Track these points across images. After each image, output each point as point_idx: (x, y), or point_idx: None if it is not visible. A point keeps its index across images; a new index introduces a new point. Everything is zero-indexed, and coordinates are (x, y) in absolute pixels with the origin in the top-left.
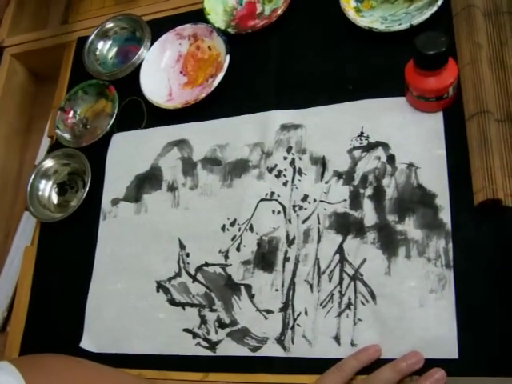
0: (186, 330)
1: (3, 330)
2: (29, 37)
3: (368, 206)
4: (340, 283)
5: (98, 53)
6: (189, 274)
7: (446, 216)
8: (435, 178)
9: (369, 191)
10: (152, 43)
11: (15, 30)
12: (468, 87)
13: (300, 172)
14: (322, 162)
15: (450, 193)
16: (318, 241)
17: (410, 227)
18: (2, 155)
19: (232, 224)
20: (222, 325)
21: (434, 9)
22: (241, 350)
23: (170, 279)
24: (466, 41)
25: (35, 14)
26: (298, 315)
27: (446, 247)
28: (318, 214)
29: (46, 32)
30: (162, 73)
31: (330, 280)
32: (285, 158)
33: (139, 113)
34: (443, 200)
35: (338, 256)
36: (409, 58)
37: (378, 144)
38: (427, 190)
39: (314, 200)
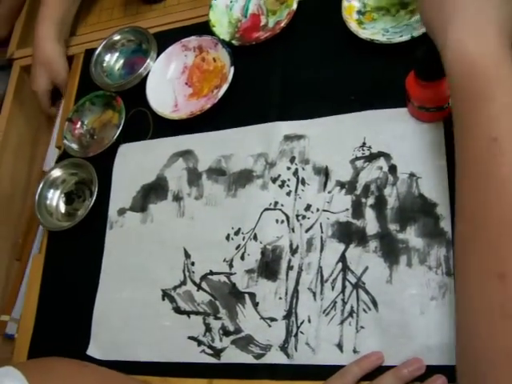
0: (191, 338)
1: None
2: None
3: (370, 215)
4: (343, 291)
5: (105, 64)
6: (194, 283)
7: (446, 225)
8: (436, 188)
9: (371, 200)
10: (158, 55)
11: (25, 42)
12: None
13: (303, 182)
14: (324, 172)
15: (450, 202)
16: (321, 249)
17: (411, 236)
18: (10, 164)
19: (236, 233)
20: (226, 332)
21: None
22: (245, 358)
23: (175, 288)
24: None
25: None
26: (302, 323)
27: (446, 255)
28: (320, 223)
29: None
30: (167, 84)
31: (333, 288)
32: (288, 169)
33: (145, 123)
34: (444, 209)
35: (340, 264)
36: (410, 69)
37: (379, 154)
38: (428, 200)
39: (317, 209)
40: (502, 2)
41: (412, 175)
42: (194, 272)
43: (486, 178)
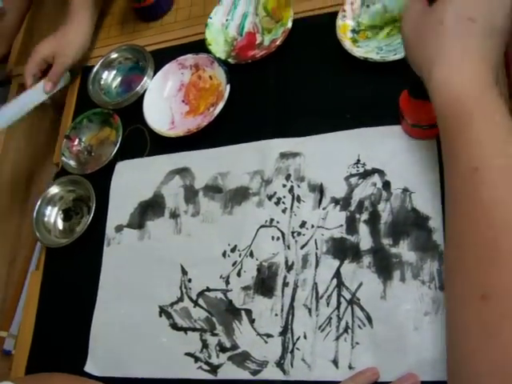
0: (188, 354)
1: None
2: None
3: (364, 230)
4: (338, 307)
5: (102, 82)
6: (191, 299)
7: (439, 238)
8: (429, 202)
9: (364, 216)
10: (155, 73)
11: (23, 59)
12: None
13: (298, 199)
14: (319, 189)
15: (443, 215)
16: (316, 266)
17: (404, 250)
18: (9, 180)
19: (233, 250)
20: (223, 349)
21: None
22: (241, 374)
23: (172, 304)
24: None
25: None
26: (297, 339)
27: (439, 269)
28: (315, 240)
29: None
30: (164, 102)
31: (328, 304)
32: (284, 186)
33: (142, 141)
34: (436, 222)
35: (335, 281)
36: (403, 87)
37: (374, 171)
38: (421, 213)
39: (312, 226)
40: (482, 40)
41: (405, 190)
42: (190, 288)
43: (468, 204)
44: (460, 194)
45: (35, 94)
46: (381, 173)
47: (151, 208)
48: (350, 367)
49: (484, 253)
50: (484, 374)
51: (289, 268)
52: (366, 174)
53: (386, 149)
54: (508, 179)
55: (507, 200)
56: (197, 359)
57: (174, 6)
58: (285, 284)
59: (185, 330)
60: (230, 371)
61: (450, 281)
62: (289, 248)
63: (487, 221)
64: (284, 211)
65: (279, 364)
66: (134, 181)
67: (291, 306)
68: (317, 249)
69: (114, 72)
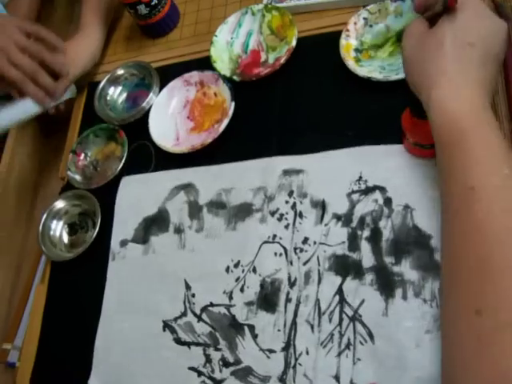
0: (192, 369)
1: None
2: None
3: (365, 247)
4: (340, 324)
5: (108, 98)
6: (194, 314)
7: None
8: (430, 219)
9: (366, 233)
10: (160, 89)
11: None
12: None
13: (301, 215)
14: (321, 205)
15: None
16: (319, 282)
17: (406, 268)
18: (15, 194)
19: (236, 266)
20: (226, 364)
21: None
22: None
23: (176, 319)
24: None
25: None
26: (300, 354)
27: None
28: (318, 256)
29: None
30: (169, 118)
31: (330, 320)
32: (286, 202)
33: (148, 156)
34: (438, 241)
35: (337, 297)
36: (405, 106)
37: (375, 188)
38: (422, 232)
39: (314, 242)
40: (480, 64)
41: (407, 207)
42: (194, 303)
43: (464, 222)
44: (456, 211)
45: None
46: (382, 189)
47: (156, 223)
48: (352, 383)
49: (478, 269)
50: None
51: (291, 284)
52: (367, 191)
53: (388, 166)
54: (502, 198)
55: (501, 219)
56: (200, 373)
57: (179, 23)
58: (287, 300)
59: (188, 344)
60: None
61: (445, 295)
62: (291, 264)
63: (482, 238)
64: (287, 227)
65: (282, 379)
66: (138, 196)
67: (294, 322)
68: (319, 265)
69: (120, 88)
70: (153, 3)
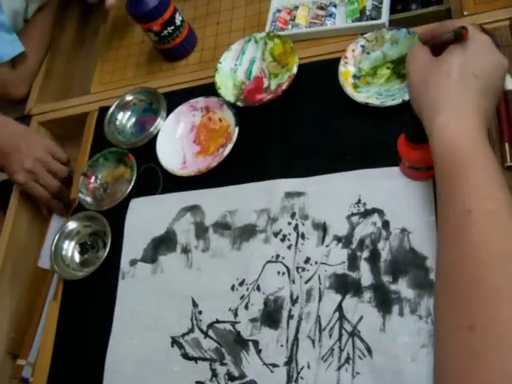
0: (199, 383)
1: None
2: (54, 106)
3: (365, 267)
4: (339, 339)
5: (117, 123)
6: (201, 331)
7: (435, 277)
8: (426, 242)
9: (365, 254)
10: (168, 114)
11: (42, 98)
12: None
13: (303, 236)
14: (322, 227)
15: None
16: (319, 300)
17: (403, 287)
18: (28, 215)
19: (241, 284)
20: (231, 378)
21: None
22: None
23: (183, 335)
24: None
25: (60, 84)
26: (302, 369)
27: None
28: (319, 275)
29: (70, 101)
30: (176, 142)
31: (331, 336)
32: (289, 224)
33: (156, 179)
34: (433, 262)
35: (337, 314)
36: (401, 131)
37: (374, 211)
38: (418, 253)
39: (316, 262)
40: (482, 95)
41: (404, 230)
42: (201, 320)
43: (459, 243)
44: (453, 233)
45: None
46: (380, 212)
47: (164, 243)
48: None
49: (471, 288)
50: None
51: (294, 301)
52: (366, 214)
53: (385, 189)
54: (496, 222)
55: (494, 241)
56: None
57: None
58: (290, 317)
59: (195, 359)
60: None
61: (439, 311)
62: (294, 282)
63: (475, 260)
64: (289, 247)
65: None
66: (147, 217)
67: (296, 338)
68: (320, 284)
69: (129, 113)
70: (171, 28)
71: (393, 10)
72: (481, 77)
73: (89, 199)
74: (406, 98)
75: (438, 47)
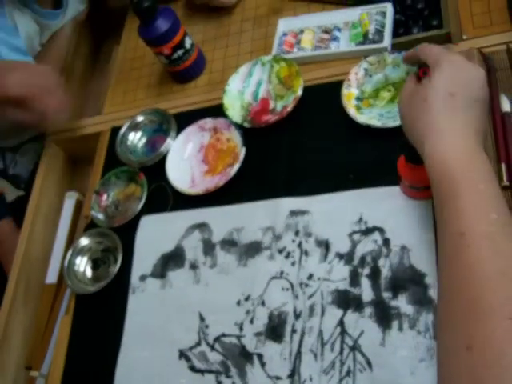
0: None
1: None
2: (68, 126)
3: (366, 284)
4: (341, 353)
5: (129, 143)
6: (208, 344)
7: (434, 293)
8: (425, 259)
9: (366, 271)
10: (177, 134)
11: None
12: None
13: (306, 253)
14: (325, 245)
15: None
16: (322, 315)
17: (402, 303)
18: (41, 231)
19: (246, 299)
20: None
21: None
22: None
23: (190, 348)
24: None
25: (74, 105)
26: (304, 381)
27: (434, 321)
28: (321, 291)
29: (83, 121)
30: (185, 162)
31: (332, 350)
32: (293, 241)
33: (165, 197)
34: (432, 279)
35: (339, 328)
36: (401, 152)
37: (374, 229)
38: (418, 270)
39: (318, 278)
40: (465, 111)
41: (403, 248)
42: (208, 334)
43: (456, 265)
44: (449, 255)
45: None
46: (381, 230)
47: (172, 259)
48: None
49: (469, 309)
50: None
51: (297, 316)
52: (367, 232)
53: (386, 208)
54: (489, 243)
55: (489, 262)
56: None
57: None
58: (293, 331)
59: (202, 372)
60: None
61: (440, 333)
62: (297, 298)
63: (472, 281)
64: (293, 264)
65: None
66: (157, 234)
67: (299, 351)
68: (322, 299)
69: (140, 133)
70: (181, 51)
71: (395, 34)
72: (458, 94)
73: (101, 216)
74: None
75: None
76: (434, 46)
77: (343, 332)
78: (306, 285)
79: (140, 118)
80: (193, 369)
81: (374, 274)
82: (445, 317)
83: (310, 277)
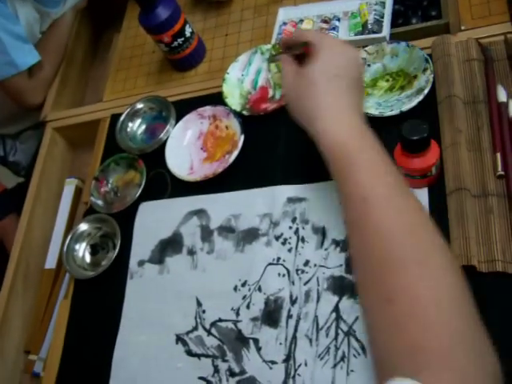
0: (201, 378)
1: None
2: (68, 113)
3: None
4: (335, 338)
5: (128, 130)
6: (204, 329)
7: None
8: None
9: None
10: (176, 121)
11: (57, 106)
12: (449, 167)
13: (303, 240)
14: (322, 232)
15: None
16: (317, 301)
17: None
18: (41, 217)
19: (243, 285)
20: (232, 374)
21: (421, 97)
22: None
23: (187, 333)
24: (447, 126)
25: (74, 92)
26: (299, 366)
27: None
28: (317, 277)
29: (83, 109)
30: (184, 149)
31: (327, 335)
32: (290, 228)
33: (164, 184)
34: None
35: (334, 314)
36: (398, 141)
37: None
38: None
39: (315, 265)
40: (349, 90)
41: None
42: (204, 319)
43: (363, 227)
44: (356, 220)
45: None
46: None
47: (171, 245)
48: None
49: (382, 265)
50: (398, 353)
51: (293, 302)
52: None
53: None
54: (390, 203)
55: (392, 219)
56: (209, 383)
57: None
58: (289, 316)
59: (198, 356)
60: None
61: (360, 294)
62: (293, 284)
63: (380, 238)
64: (290, 250)
65: None
66: (155, 220)
67: (294, 336)
68: (318, 285)
69: (140, 120)
70: (181, 39)
71: (394, 24)
72: (342, 74)
73: (100, 202)
74: (404, 108)
75: (299, 57)
76: (310, 29)
77: (338, 318)
78: (303, 271)
79: (140, 106)
80: (189, 353)
81: None
82: (361, 277)
83: (307, 263)
